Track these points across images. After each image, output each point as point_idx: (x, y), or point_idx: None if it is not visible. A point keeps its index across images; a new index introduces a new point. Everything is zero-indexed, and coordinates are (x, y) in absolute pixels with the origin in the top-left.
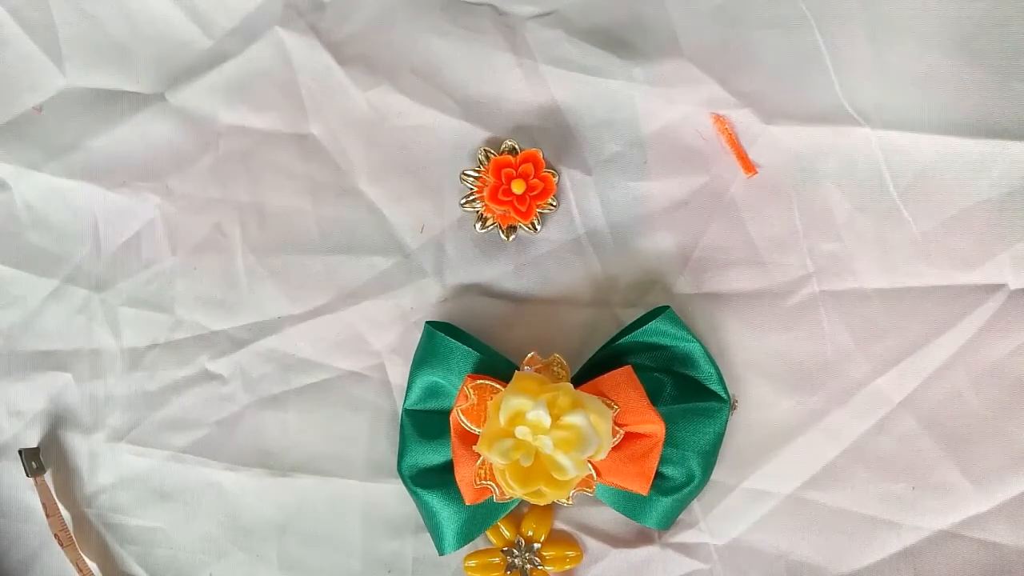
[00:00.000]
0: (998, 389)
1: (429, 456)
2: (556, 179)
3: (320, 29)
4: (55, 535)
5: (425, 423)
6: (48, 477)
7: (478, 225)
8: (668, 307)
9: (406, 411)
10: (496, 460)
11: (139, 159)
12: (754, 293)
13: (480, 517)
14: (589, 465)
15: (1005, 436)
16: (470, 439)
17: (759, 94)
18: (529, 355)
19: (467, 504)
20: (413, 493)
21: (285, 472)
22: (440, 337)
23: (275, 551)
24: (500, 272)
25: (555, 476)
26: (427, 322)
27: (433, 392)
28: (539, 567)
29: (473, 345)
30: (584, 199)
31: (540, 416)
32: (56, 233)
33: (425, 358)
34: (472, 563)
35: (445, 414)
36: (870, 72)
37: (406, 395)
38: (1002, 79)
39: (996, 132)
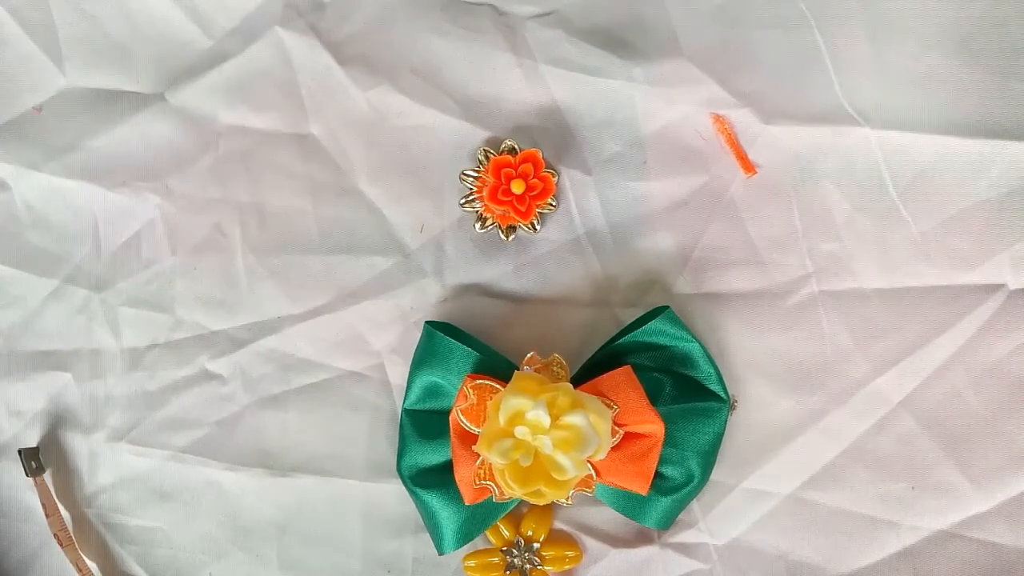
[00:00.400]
0: (998, 389)
1: (429, 456)
2: (556, 179)
3: (320, 29)
4: (55, 535)
5: (425, 423)
6: (48, 477)
7: (478, 225)
8: (667, 307)
9: (406, 411)
10: (495, 460)
11: (139, 159)
12: (754, 293)
13: (479, 517)
14: (588, 465)
15: (1005, 436)
16: (470, 439)
17: (759, 94)
18: (529, 355)
19: (466, 504)
20: (412, 493)
21: (285, 472)
22: (440, 337)
23: (275, 551)
24: (500, 272)
25: (555, 476)
26: (427, 322)
27: (433, 392)
28: (539, 567)
29: (473, 345)
30: (584, 199)
31: (539, 416)
32: (56, 233)
33: (425, 358)
34: (472, 563)
35: (445, 414)
36: (870, 72)
37: (405, 395)
38: (1001, 79)
39: (996, 132)
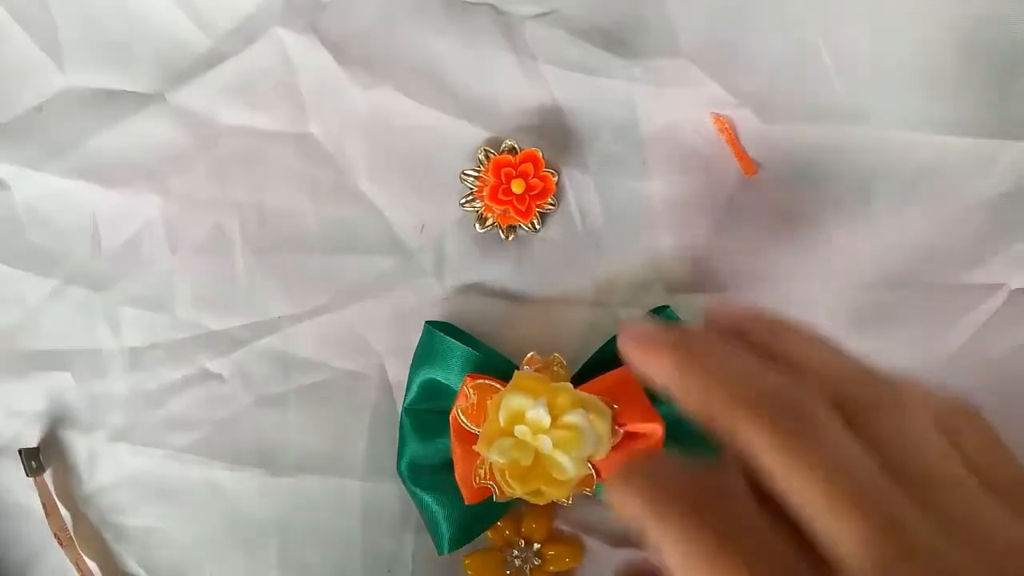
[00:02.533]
0: (998, 388)
1: (428, 456)
2: (556, 179)
3: (320, 29)
4: (55, 535)
5: (424, 423)
6: (48, 477)
7: (478, 225)
8: (668, 307)
9: (405, 410)
10: (495, 459)
11: (139, 159)
12: (754, 293)
13: (480, 517)
14: (589, 465)
15: (1004, 436)
16: (470, 438)
17: (759, 94)
18: (529, 355)
19: (466, 504)
20: (412, 493)
21: (285, 472)
22: (440, 337)
23: (275, 551)
24: (500, 272)
25: (555, 475)
26: (427, 322)
27: (433, 391)
28: (539, 567)
29: (473, 345)
30: (584, 199)
31: (540, 415)
32: (56, 233)
33: (425, 357)
34: (472, 563)
35: (444, 414)
36: (870, 72)
37: (405, 394)
38: (1002, 78)
39: (996, 132)
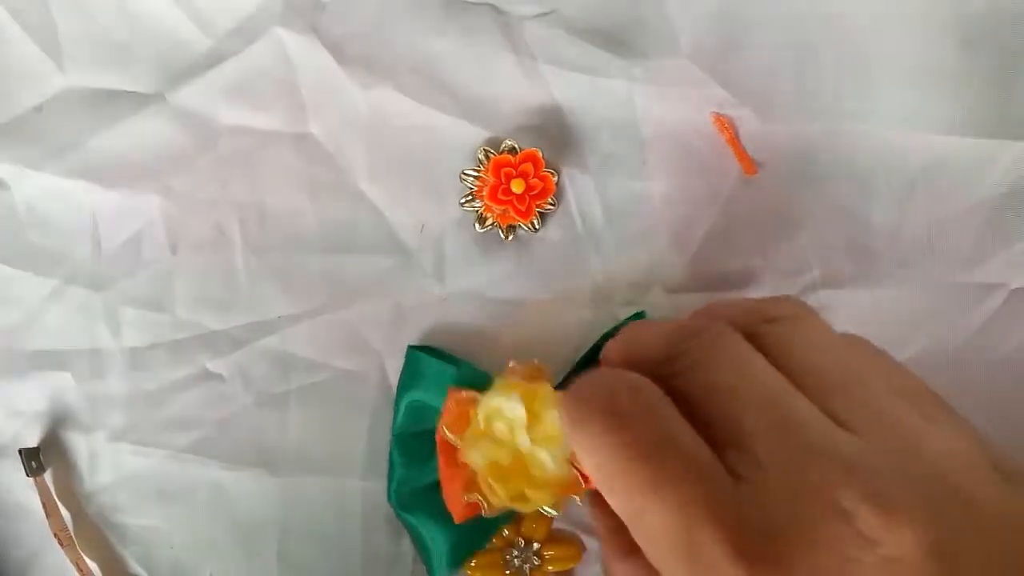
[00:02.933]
0: (999, 388)
1: (418, 479)
2: (556, 179)
3: (320, 29)
4: (55, 535)
5: (413, 447)
6: (48, 477)
7: (478, 225)
8: (643, 311)
9: (395, 436)
10: (475, 460)
11: (139, 159)
12: (755, 293)
13: (470, 538)
14: (573, 468)
15: (1006, 435)
16: (455, 454)
17: (759, 94)
18: (510, 364)
19: (456, 523)
20: (403, 519)
21: (285, 472)
22: (423, 358)
23: (275, 551)
24: (500, 272)
25: (535, 473)
26: (410, 346)
27: (419, 413)
28: (539, 567)
29: (456, 364)
30: (584, 199)
31: (516, 410)
32: (56, 233)
33: (410, 380)
34: (473, 563)
35: (432, 434)
36: (870, 72)
37: (393, 420)
38: (1002, 78)
39: (996, 132)
